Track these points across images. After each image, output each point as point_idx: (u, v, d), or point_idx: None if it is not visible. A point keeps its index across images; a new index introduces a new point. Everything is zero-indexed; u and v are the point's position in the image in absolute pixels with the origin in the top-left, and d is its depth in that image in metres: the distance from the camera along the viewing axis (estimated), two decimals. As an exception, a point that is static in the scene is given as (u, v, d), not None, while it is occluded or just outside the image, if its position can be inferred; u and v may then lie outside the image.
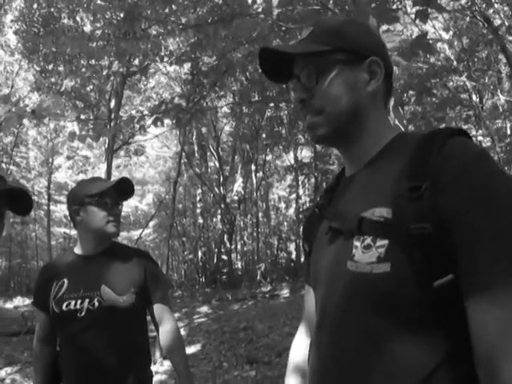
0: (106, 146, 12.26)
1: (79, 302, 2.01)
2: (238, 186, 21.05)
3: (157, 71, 13.67)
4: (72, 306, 2.01)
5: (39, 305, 2.15)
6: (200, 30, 4.76)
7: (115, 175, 20.56)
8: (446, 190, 0.84)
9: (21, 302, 17.23)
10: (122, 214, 2.53)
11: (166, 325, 2.16)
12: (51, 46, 7.65)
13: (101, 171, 15.57)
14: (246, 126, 18.18)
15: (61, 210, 20.48)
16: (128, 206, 23.93)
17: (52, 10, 9.41)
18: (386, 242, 0.87)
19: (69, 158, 18.06)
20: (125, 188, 2.19)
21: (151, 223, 22.67)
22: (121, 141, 13.04)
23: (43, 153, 17.82)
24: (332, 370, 0.95)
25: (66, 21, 9.22)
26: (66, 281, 2.08)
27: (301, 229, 1.42)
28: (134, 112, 10.65)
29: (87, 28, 8.72)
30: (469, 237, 0.81)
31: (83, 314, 2.00)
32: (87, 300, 2.01)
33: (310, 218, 1.25)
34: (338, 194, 1.13)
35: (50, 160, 17.53)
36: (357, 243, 0.93)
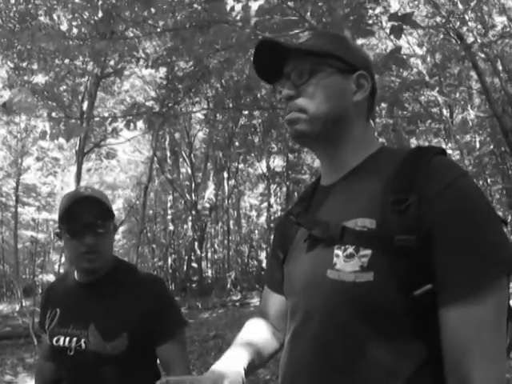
0: (77, 147, 12.07)
1: (67, 339, 1.72)
2: (210, 193, 21.00)
3: (132, 74, 13.56)
4: (61, 343, 1.74)
5: (42, 326, 1.88)
6: (177, 34, 4.74)
7: (85, 178, 20.28)
8: (430, 204, 0.87)
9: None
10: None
11: (175, 371, 1.66)
12: (26, 42, 7.52)
13: (71, 174, 15.28)
14: (220, 133, 18.19)
15: (28, 212, 20.03)
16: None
17: (29, 6, 9.28)
18: (369, 251, 0.89)
19: (38, 159, 17.68)
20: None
21: (120, 229, 22.36)
22: (92, 143, 12.85)
23: (12, 153, 17.43)
24: (315, 376, 0.96)
25: (42, 18, 9.09)
26: (58, 311, 1.82)
27: (272, 236, 1.43)
28: (106, 114, 10.53)
29: (64, 27, 8.61)
30: (445, 249, 0.84)
31: (72, 353, 1.71)
32: (75, 339, 1.71)
33: (284, 224, 1.25)
34: (316, 202, 1.13)
35: (19, 161, 17.15)
36: (338, 252, 0.93)
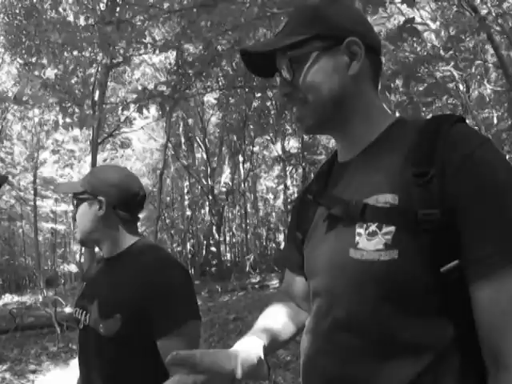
0: (91, 138, 12.13)
1: (80, 311, 1.72)
2: (226, 177, 21.02)
3: (142, 62, 13.53)
4: (77, 314, 1.75)
5: None
6: (184, 16, 4.67)
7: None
8: (454, 175, 0.83)
9: (9, 300, 17.14)
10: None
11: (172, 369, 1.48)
12: (34, 37, 7.53)
13: (86, 165, 15.41)
14: (233, 116, 18.11)
15: (47, 205, 20.29)
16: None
17: (34, 1, 9.27)
18: (392, 228, 0.86)
19: (54, 152, 17.84)
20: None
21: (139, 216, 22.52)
22: (106, 133, 12.90)
23: (28, 147, 17.60)
24: (339, 359, 0.93)
25: (48, 12, 9.09)
26: (84, 284, 1.87)
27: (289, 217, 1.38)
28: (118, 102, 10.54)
29: (71, 18, 8.61)
30: (473, 223, 0.81)
31: (81, 326, 1.70)
32: (84, 312, 1.69)
33: (301, 204, 1.21)
34: (333, 180, 1.09)
35: (36, 155, 17.32)
36: (360, 230, 0.90)
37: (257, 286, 14.86)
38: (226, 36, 5.79)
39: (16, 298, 17.38)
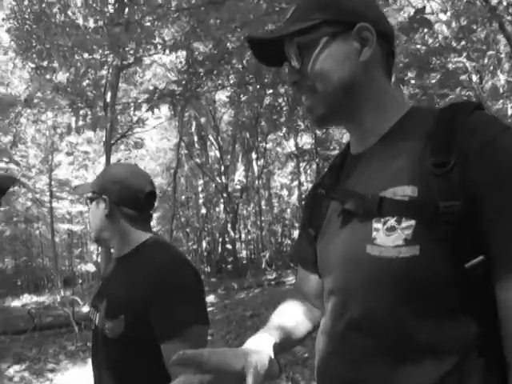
0: (104, 139, 12.20)
1: (93, 311, 1.71)
2: (240, 174, 21.02)
3: (152, 63, 13.55)
4: (90, 314, 1.74)
5: None
6: (192, 14, 4.66)
7: (116, 169, 20.43)
8: (474, 162, 0.80)
9: (28, 300, 17.35)
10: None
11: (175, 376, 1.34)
12: (44, 41, 7.58)
13: (101, 166, 15.50)
14: (245, 114, 18.09)
15: (63, 206, 20.47)
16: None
17: (43, 5, 9.34)
18: (412, 222, 0.82)
19: (68, 154, 18.00)
20: None
21: (154, 215, 22.67)
22: (119, 134, 12.98)
23: (43, 150, 17.78)
24: (354, 360, 0.90)
25: (57, 16, 9.16)
26: (100, 284, 1.85)
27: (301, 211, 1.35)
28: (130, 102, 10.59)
29: (80, 21, 8.67)
30: (498, 215, 0.78)
31: (93, 326, 1.70)
32: (96, 312, 1.67)
33: (313, 199, 1.17)
34: (347, 173, 1.05)
35: (50, 157, 17.50)
36: (377, 225, 0.86)
37: (273, 282, 14.84)
38: (236, 33, 5.77)
39: (34, 298, 17.60)
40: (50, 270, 20.94)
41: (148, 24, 5.64)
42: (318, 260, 1.09)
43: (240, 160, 21.57)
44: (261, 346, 0.98)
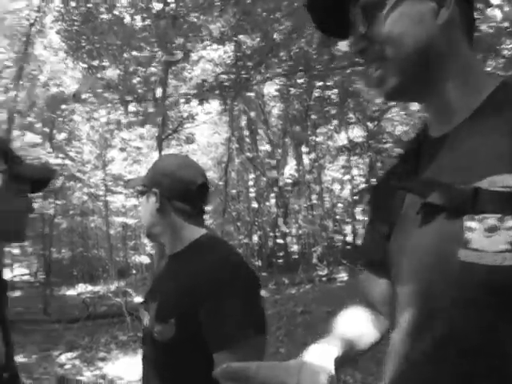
0: (157, 135, 12.40)
1: (143, 309, 1.66)
2: (291, 168, 20.91)
3: (200, 58, 13.64)
4: (140, 314, 1.70)
5: None
6: (239, 4, 4.55)
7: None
8: None
9: (83, 289, 17.97)
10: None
11: None
12: (93, 41, 7.74)
13: (153, 161, 15.78)
14: (295, 107, 17.93)
15: (118, 200, 21.01)
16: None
17: (90, 5, 9.57)
18: None
19: (122, 149, 18.45)
20: None
21: (207, 209, 22.91)
22: (170, 130, 13.16)
23: (97, 146, 18.29)
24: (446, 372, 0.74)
25: (105, 16, 9.37)
26: (152, 281, 1.81)
27: (366, 206, 1.17)
28: (180, 99, 10.69)
29: (127, 20, 8.81)
30: None
31: (143, 326, 1.65)
32: (146, 313, 1.61)
33: (383, 191, 1.00)
34: (426, 159, 0.88)
35: (104, 153, 17.99)
36: (471, 224, 0.70)
37: (324, 278, 14.66)
38: (283, 28, 5.64)
39: (89, 288, 18.21)
40: (105, 261, 21.56)
41: (194, 19, 5.60)
42: (392, 264, 0.93)
43: (290, 154, 21.46)
44: (321, 361, 0.83)
